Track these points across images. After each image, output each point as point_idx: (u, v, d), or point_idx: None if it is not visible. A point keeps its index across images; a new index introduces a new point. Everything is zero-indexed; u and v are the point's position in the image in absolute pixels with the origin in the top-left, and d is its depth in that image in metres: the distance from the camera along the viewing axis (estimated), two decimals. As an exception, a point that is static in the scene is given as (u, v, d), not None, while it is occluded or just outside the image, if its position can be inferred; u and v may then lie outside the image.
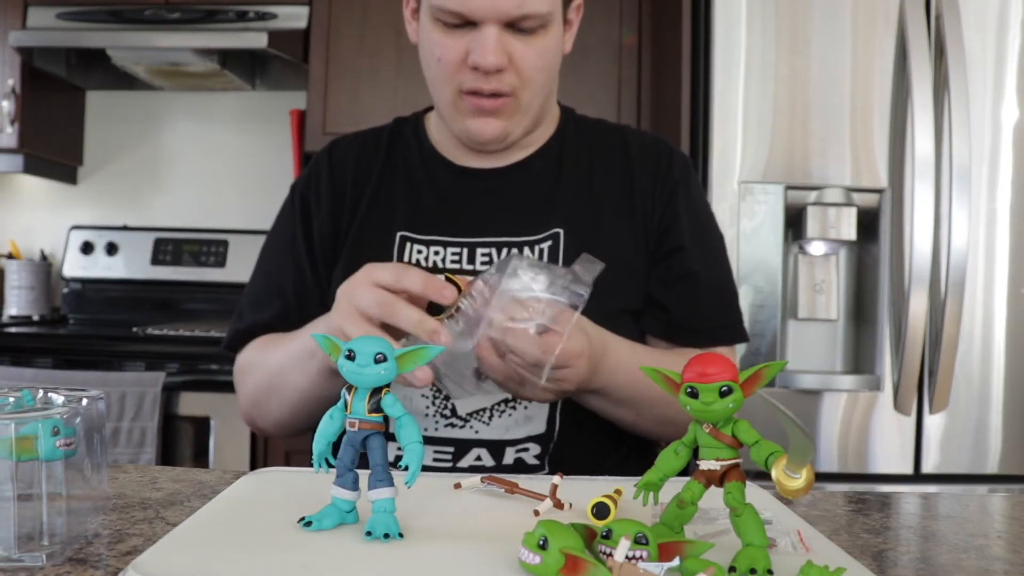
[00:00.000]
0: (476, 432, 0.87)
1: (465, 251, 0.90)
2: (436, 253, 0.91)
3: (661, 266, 0.93)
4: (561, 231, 0.91)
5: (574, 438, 0.88)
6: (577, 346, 0.72)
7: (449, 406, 0.87)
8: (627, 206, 0.94)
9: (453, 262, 0.90)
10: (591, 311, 0.89)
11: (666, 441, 0.91)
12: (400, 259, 0.91)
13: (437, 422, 0.87)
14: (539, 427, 0.87)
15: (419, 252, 0.91)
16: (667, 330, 0.93)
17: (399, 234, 0.92)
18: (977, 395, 1.58)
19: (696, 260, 0.94)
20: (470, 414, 0.87)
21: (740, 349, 1.60)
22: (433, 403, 0.87)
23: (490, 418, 0.87)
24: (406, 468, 0.45)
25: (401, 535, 0.45)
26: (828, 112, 1.58)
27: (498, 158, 0.96)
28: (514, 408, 0.87)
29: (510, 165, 0.96)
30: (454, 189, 0.95)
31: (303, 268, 0.95)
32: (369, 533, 0.44)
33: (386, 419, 0.47)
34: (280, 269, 0.96)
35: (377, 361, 0.44)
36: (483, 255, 0.90)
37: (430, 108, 1.01)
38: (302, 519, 0.46)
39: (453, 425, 0.87)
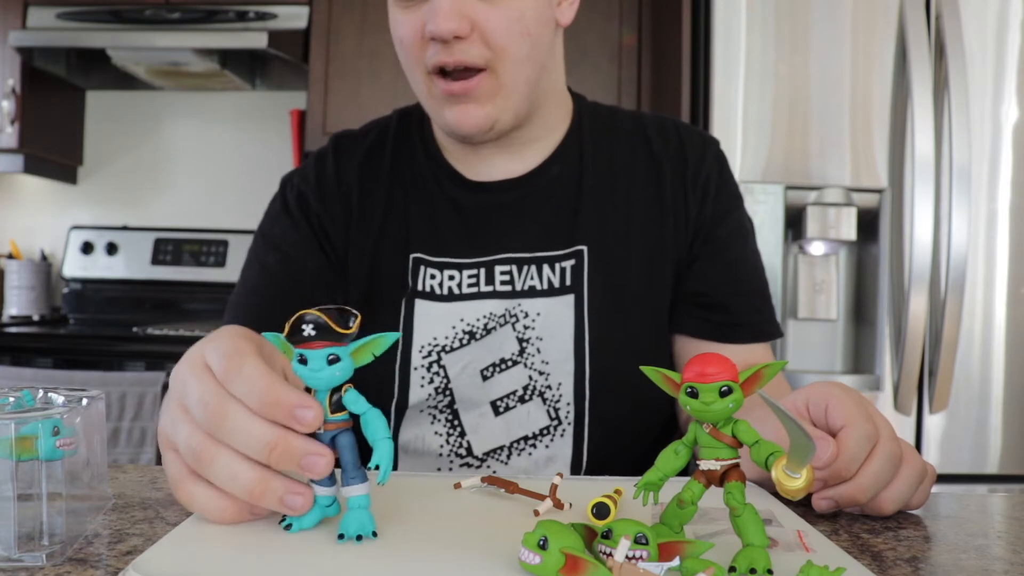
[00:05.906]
0: (494, 473, 0.79)
1: (483, 271, 0.82)
2: (451, 278, 0.82)
3: (703, 263, 0.85)
4: (585, 248, 0.82)
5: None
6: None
7: (464, 444, 0.80)
8: (657, 209, 0.84)
9: (470, 286, 0.82)
10: (619, 328, 0.81)
11: None
12: (414, 284, 0.82)
13: (452, 461, 0.80)
14: (563, 468, 0.80)
15: (432, 277, 0.82)
16: (716, 329, 0.84)
17: (412, 256, 0.83)
18: (977, 395, 1.58)
19: (737, 252, 0.86)
20: (487, 453, 0.80)
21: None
22: (447, 441, 0.80)
23: (508, 457, 0.80)
24: (377, 468, 0.43)
25: (375, 534, 0.44)
26: (828, 112, 1.58)
27: (512, 159, 0.85)
28: (534, 447, 0.80)
29: (527, 174, 0.85)
30: (469, 206, 0.85)
31: (293, 271, 0.84)
32: (341, 536, 0.43)
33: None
34: (265, 275, 0.86)
35: (330, 362, 0.42)
36: (502, 273, 0.82)
37: None
38: (282, 520, 0.45)
39: (469, 465, 0.80)
